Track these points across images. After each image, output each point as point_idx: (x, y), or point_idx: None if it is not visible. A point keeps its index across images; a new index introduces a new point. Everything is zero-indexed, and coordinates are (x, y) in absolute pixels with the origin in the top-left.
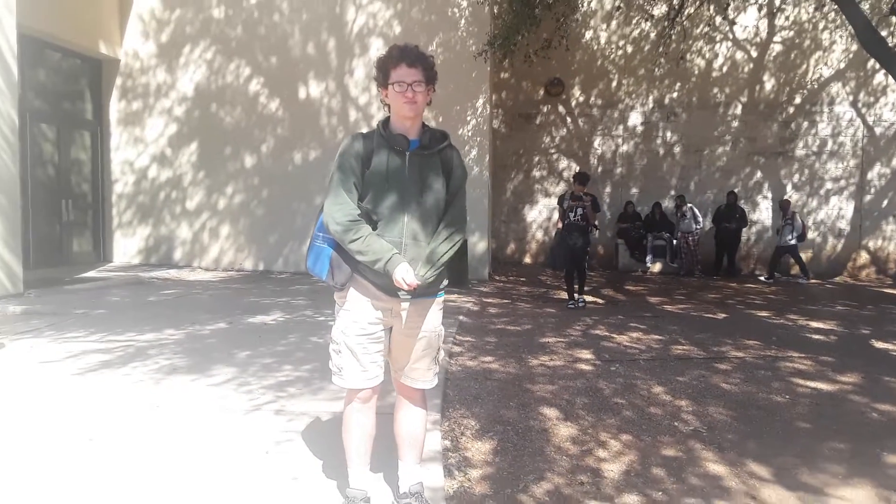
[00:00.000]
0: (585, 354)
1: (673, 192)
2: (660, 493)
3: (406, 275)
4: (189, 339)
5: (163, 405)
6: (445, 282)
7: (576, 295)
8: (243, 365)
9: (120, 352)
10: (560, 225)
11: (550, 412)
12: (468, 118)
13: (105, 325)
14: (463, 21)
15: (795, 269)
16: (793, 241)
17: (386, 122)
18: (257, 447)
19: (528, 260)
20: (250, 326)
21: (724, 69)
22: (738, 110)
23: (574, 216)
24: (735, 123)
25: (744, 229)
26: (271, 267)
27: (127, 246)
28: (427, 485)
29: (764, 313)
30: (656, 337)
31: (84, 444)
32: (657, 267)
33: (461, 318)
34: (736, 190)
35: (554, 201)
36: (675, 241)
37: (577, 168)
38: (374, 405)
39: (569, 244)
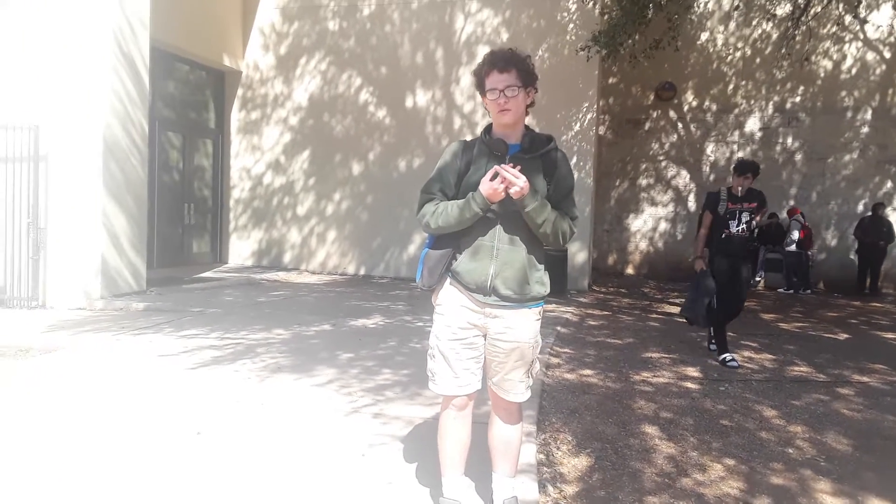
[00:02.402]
0: (692, 372)
1: (792, 202)
2: None
3: (492, 176)
4: (295, 339)
5: (267, 403)
6: (545, 290)
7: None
8: (344, 367)
9: (231, 349)
10: (701, 244)
11: (651, 431)
12: (573, 124)
13: (219, 323)
14: (571, 25)
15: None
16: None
17: (488, 129)
18: (354, 449)
19: (630, 271)
20: (352, 329)
21: (853, 71)
22: (868, 115)
23: (737, 226)
24: (864, 129)
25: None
26: (373, 271)
27: (241, 248)
28: (522, 497)
29: (890, 335)
30: (770, 356)
31: (192, 438)
32: (762, 283)
33: (559, 328)
34: (883, 202)
35: (660, 210)
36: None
37: (688, 176)
38: (470, 413)
39: (726, 271)
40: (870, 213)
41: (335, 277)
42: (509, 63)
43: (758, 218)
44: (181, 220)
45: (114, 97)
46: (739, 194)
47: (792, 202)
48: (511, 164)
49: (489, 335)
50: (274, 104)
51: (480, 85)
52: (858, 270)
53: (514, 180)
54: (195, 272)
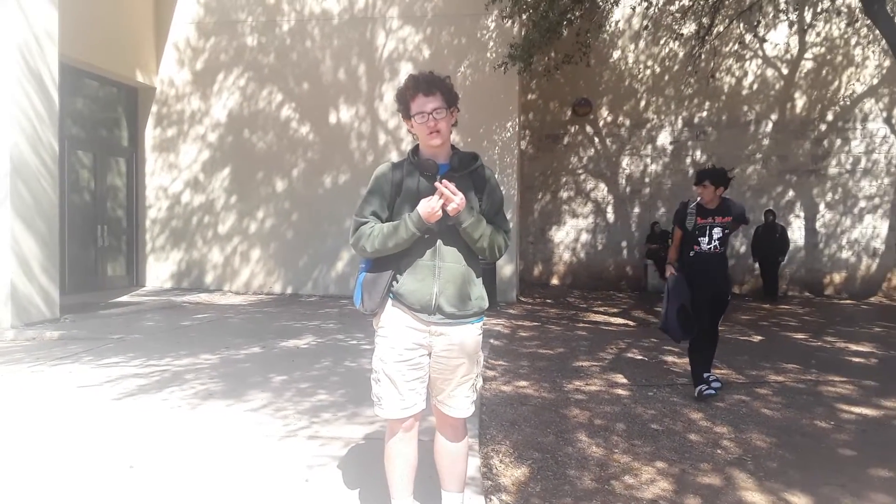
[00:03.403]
0: (621, 379)
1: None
2: None
3: (433, 197)
4: (224, 363)
5: (200, 431)
6: (485, 304)
7: (708, 373)
8: (279, 390)
9: (157, 376)
10: (672, 257)
11: (586, 438)
12: (496, 139)
13: (141, 349)
14: (491, 42)
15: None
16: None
17: (415, 150)
18: (296, 474)
19: (555, 281)
20: (283, 350)
21: (755, 87)
22: (769, 128)
23: (708, 243)
24: (766, 141)
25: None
26: (300, 290)
27: (159, 270)
28: None
29: (800, 335)
30: None
31: (125, 472)
32: None
33: (492, 341)
34: (771, 207)
35: (581, 222)
36: None
37: (606, 188)
38: (416, 434)
39: (704, 288)
40: (762, 222)
41: (261, 297)
42: (433, 86)
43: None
44: (94, 242)
45: (21, 115)
46: (711, 207)
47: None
48: (444, 188)
49: (434, 353)
50: (191, 121)
51: (405, 109)
52: (763, 280)
53: (452, 197)
54: (111, 296)
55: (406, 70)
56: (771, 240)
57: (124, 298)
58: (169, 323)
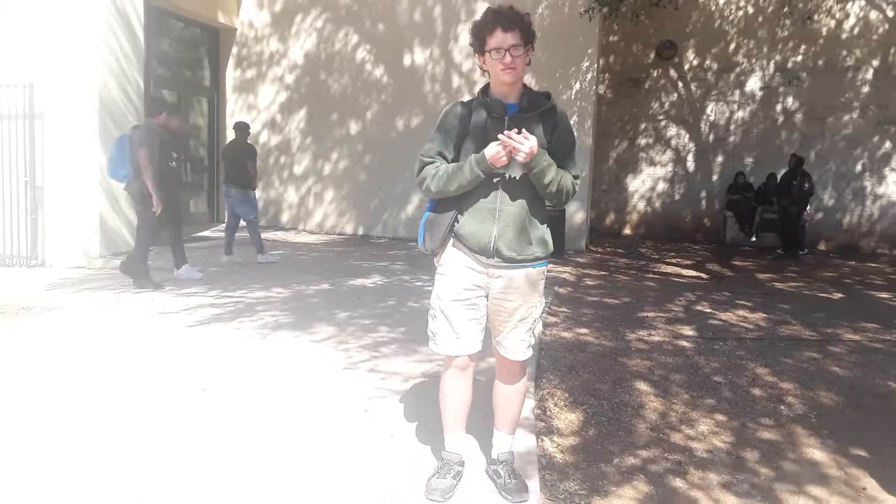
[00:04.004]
0: (687, 331)
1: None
2: (756, 476)
3: (499, 143)
4: (294, 297)
5: (269, 359)
6: (548, 251)
7: None
8: (343, 325)
9: (231, 307)
10: None
11: (646, 388)
12: (573, 83)
13: (218, 281)
14: None
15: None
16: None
17: (486, 89)
18: (356, 404)
19: (627, 231)
20: (351, 288)
21: (856, 30)
22: (869, 75)
23: None
24: (865, 89)
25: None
26: (371, 232)
27: None
28: (518, 451)
29: (885, 294)
30: (764, 315)
31: (197, 394)
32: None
33: (557, 288)
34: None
35: (659, 171)
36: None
37: (687, 136)
38: (471, 374)
39: None
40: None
41: (333, 237)
42: (513, 22)
43: None
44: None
45: (109, 54)
46: None
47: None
48: (516, 130)
49: (492, 295)
50: (269, 62)
51: (481, 44)
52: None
53: (518, 146)
54: (193, 231)
55: (483, 10)
56: (788, 187)
57: (205, 233)
58: (245, 258)
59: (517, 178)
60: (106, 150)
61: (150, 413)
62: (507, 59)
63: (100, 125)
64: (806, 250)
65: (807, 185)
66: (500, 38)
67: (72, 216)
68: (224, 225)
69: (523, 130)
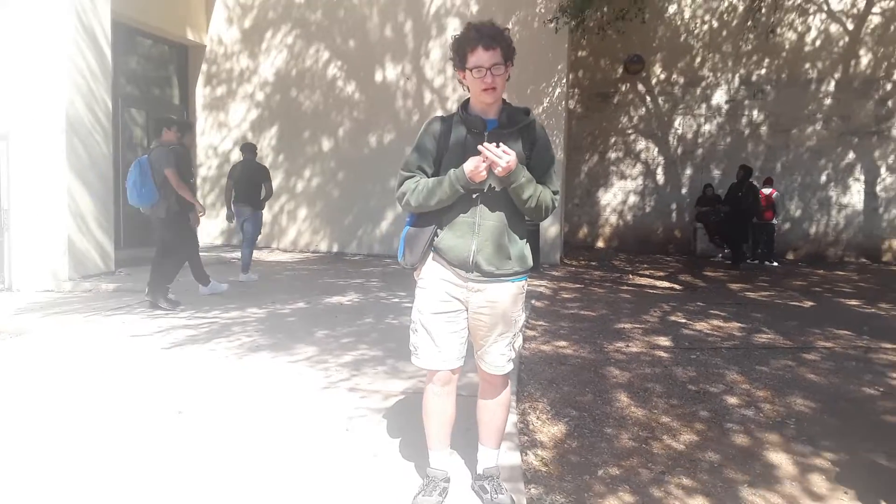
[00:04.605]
0: (663, 341)
1: (758, 174)
2: (734, 484)
3: (478, 158)
4: (270, 317)
5: (246, 381)
6: (527, 265)
7: None
8: (321, 343)
9: (205, 328)
10: None
11: (625, 398)
12: (543, 99)
13: (191, 302)
14: None
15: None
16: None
17: (466, 104)
18: (337, 423)
19: (600, 244)
20: (327, 306)
21: (817, 43)
22: (832, 87)
23: None
24: (827, 101)
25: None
26: (345, 249)
27: (210, 227)
28: (502, 465)
29: (854, 302)
30: (738, 325)
31: (174, 417)
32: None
33: (534, 301)
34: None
35: (630, 184)
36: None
37: (656, 149)
38: (454, 389)
39: None
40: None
41: (307, 255)
42: (494, 40)
43: None
44: None
45: (76, 72)
46: None
47: (757, 174)
48: (495, 144)
49: (471, 309)
50: (240, 79)
51: (461, 60)
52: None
53: (497, 160)
54: None
55: (454, 26)
56: (734, 198)
57: None
58: (217, 278)
59: (497, 192)
60: (74, 170)
61: (125, 438)
62: (489, 78)
63: (67, 145)
64: (775, 262)
65: (751, 198)
66: (481, 56)
67: (39, 239)
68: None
69: (502, 145)
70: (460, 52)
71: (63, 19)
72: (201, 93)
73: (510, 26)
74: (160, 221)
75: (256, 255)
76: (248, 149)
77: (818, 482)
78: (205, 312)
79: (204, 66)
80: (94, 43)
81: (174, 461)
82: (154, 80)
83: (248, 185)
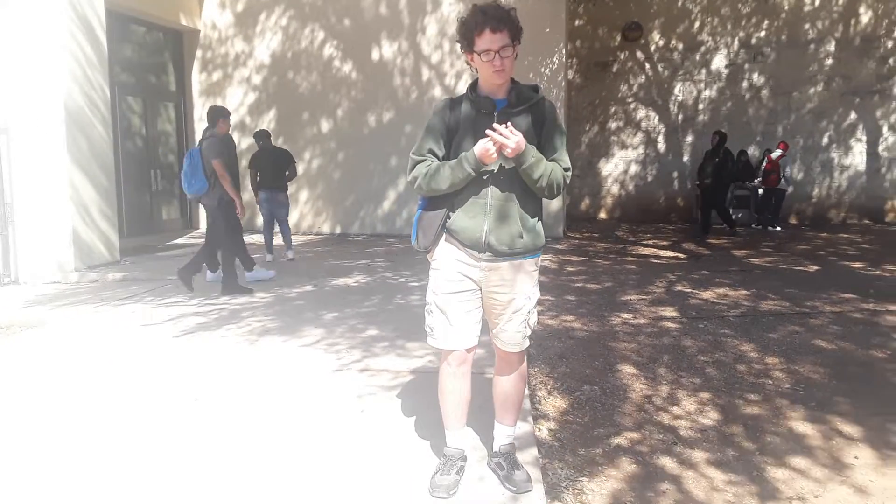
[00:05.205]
0: (670, 312)
1: (759, 139)
2: (745, 452)
3: (487, 140)
4: (278, 301)
5: (259, 366)
6: (540, 242)
7: None
8: (330, 326)
9: (215, 315)
10: None
11: (634, 370)
12: (543, 71)
13: (199, 289)
14: None
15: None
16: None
17: (474, 85)
18: (352, 405)
19: (603, 215)
20: (334, 289)
21: (817, 2)
22: (832, 47)
23: None
24: (828, 61)
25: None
26: (348, 230)
27: None
28: (518, 438)
29: (858, 264)
30: (744, 292)
31: (190, 404)
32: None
33: (539, 276)
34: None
35: (631, 153)
36: (759, 192)
37: (657, 117)
38: (469, 369)
39: None
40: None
41: (310, 238)
42: (502, 22)
43: None
44: (148, 187)
45: (73, 62)
46: None
47: (759, 138)
48: (504, 125)
49: (485, 288)
50: (235, 63)
51: (469, 43)
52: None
53: (506, 141)
54: (167, 239)
55: (449, 1)
56: (708, 165)
57: (180, 241)
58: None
59: (507, 172)
60: (75, 161)
61: (145, 426)
62: (497, 61)
63: (67, 136)
64: (778, 227)
65: (730, 163)
66: (489, 39)
67: (44, 231)
68: (197, 231)
69: (509, 125)
70: (467, 36)
71: (58, 9)
72: (197, 78)
73: None
74: (211, 210)
75: (259, 238)
76: (264, 136)
77: (828, 447)
78: (214, 299)
79: (199, 52)
80: (90, 32)
81: (194, 447)
82: (150, 67)
83: (275, 170)
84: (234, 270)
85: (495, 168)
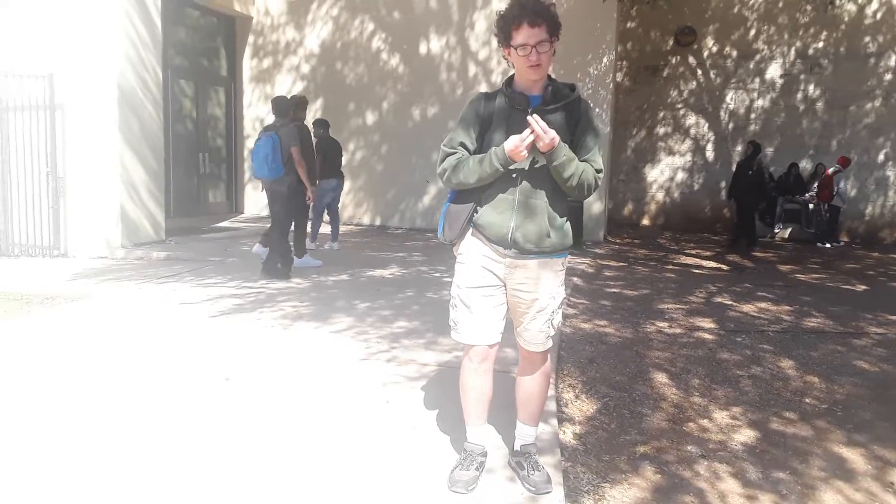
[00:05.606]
0: (707, 323)
1: (812, 152)
2: (779, 470)
3: (518, 137)
4: (314, 288)
5: (291, 350)
6: (566, 242)
7: None
8: (362, 315)
9: (251, 297)
10: None
11: (665, 380)
12: (590, 71)
13: (238, 272)
14: None
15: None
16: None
17: (510, 80)
18: (378, 394)
19: (646, 221)
20: (369, 279)
21: (878, 15)
22: (892, 62)
23: None
24: (888, 76)
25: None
26: (388, 222)
27: (257, 198)
28: (541, 439)
29: None
30: (787, 308)
31: (221, 384)
32: (787, 233)
33: (575, 279)
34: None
35: (678, 160)
36: (810, 207)
37: (706, 124)
38: (491, 366)
39: None
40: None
41: (350, 228)
42: (540, 16)
43: None
44: (196, 169)
45: (127, 43)
46: None
47: (812, 152)
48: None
49: (510, 285)
50: (286, 51)
51: (506, 37)
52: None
53: (542, 135)
54: (212, 221)
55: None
56: (743, 178)
57: (224, 224)
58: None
59: (537, 170)
60: (126, 140)
61: (176, 402)
62: (534, 56)
63: (119, 115)
64: (828, 244)
65: (767, 175)
66: (526, 33)
67: (93, 206)
68: (241, 216)
69: (542, 122)
70: (505, 29)
71: None
72: (248, 64)
73: None
74: (279, 195)
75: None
76: (324, 125)
77: (864, 471)
78: (251, 282)
79: (251, 38)
80: (145, 14)
81: (223, 426)
82: (202, 51)
83: (335, 159)
84: (279, 258)
85: (525, 165)
